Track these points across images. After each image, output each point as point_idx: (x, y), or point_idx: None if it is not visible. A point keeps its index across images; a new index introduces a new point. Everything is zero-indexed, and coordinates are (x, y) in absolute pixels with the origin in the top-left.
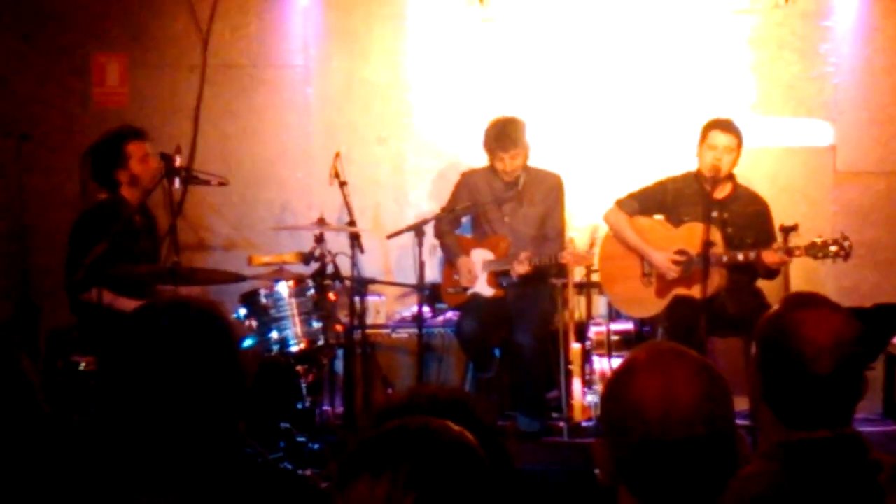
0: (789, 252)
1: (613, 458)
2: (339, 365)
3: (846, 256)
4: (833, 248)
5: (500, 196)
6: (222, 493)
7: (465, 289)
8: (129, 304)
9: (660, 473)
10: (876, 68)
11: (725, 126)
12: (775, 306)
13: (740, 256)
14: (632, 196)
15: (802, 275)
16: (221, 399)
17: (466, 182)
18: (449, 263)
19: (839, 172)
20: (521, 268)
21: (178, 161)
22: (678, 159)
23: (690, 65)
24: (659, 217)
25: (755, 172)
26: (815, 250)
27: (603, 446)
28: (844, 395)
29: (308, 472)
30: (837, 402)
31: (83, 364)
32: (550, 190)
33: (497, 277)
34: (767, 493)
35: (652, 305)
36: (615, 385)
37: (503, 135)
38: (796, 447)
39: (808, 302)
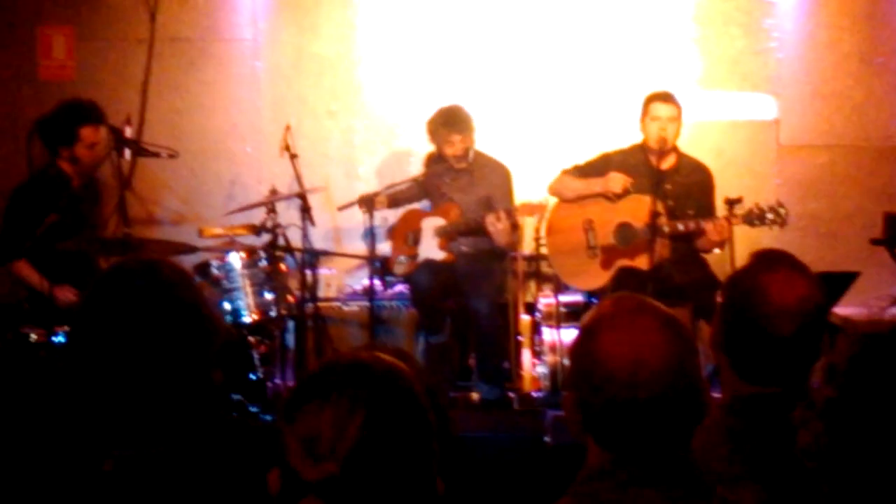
0: (727, 220)
1: (581, 411)
2: (291, 338)
3: (782, 224)
4: (770, 216)
5: (448, 170)
6: (199, 444)
7: (415, 257)
8: (35, 280)
9: (627, 429)
10: (818, 43)
11: (665, 97)
12: (738, 265)
13: (680, 226)
14: (577, 167)
15: (747, 246)
16: (196, 353)
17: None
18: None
19: (782, 146)
20: (499, 223)
21: (128, 133)
22: (625, 135)
23: (637, 40)
24: None
25: (700, 146)
26: (752, 218)
27: (571, 399)
28: (801, 357)
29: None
30: (794, 364)
31: (34, 336)
32: (501, 181)
33: (449, 243)
34: (719, 443)
35: (597, 277)
36: (582, 341)
37: (453, 118)
38: (748, 400)
39: (777, 262)
